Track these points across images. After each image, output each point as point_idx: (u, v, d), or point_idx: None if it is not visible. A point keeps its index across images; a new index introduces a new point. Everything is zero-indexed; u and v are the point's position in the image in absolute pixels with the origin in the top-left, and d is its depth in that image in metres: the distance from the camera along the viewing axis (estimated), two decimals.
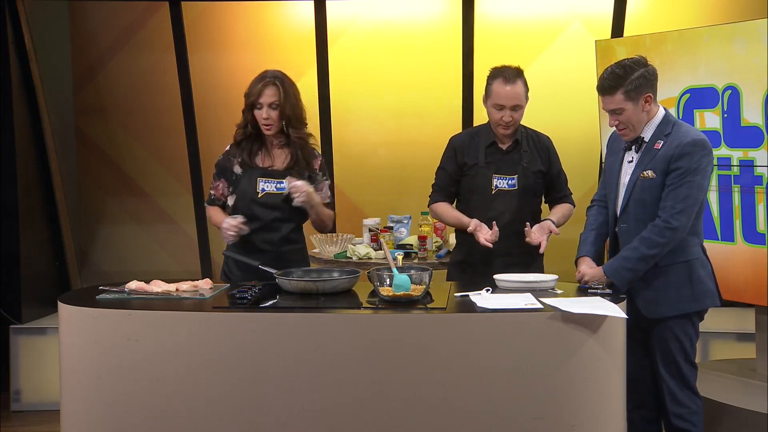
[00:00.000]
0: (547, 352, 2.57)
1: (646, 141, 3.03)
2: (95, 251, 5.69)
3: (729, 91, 3.75)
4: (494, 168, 3.44)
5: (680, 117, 3.93)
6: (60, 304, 2.79)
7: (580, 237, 3.25)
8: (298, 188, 3.18)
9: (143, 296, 2.87)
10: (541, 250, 3.33)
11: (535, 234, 3.32)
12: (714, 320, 4.70)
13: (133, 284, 2.93)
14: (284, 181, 3.26)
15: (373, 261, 4.15)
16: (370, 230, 4.39)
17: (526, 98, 3.40)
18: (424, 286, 2.80)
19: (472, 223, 3.37)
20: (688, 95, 3.92)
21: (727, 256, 3.79)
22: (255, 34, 5.46)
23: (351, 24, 5.39)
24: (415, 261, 4.12)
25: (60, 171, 5.40)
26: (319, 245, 4.29)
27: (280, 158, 3.32)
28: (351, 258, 4.19)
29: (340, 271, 3.12)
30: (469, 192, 3.49)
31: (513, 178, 3.43)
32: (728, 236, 3.80)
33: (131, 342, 2.65)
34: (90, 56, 5.55)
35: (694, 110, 3.91)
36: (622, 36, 4.95)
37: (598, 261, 3.18)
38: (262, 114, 3.24)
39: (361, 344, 2.60)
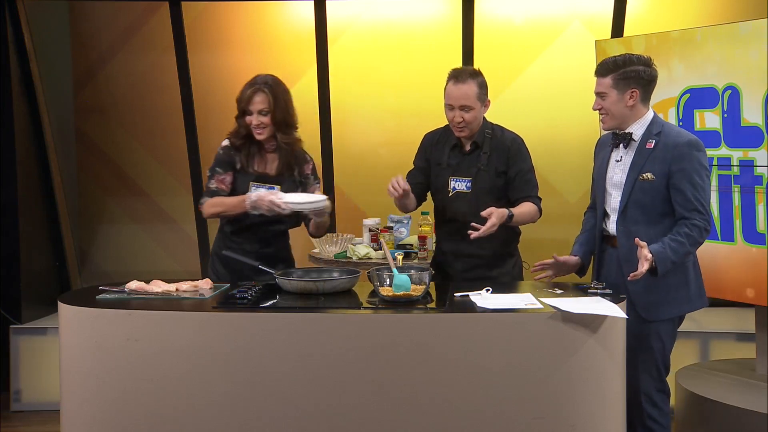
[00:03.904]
0: (547, 352, 2.57)
1: (635, 139, 3.06)
2: (95, 251, 5.68)
3: (729, 91, 3.74)
4: (452, 170, 3.40)
5: (680, 117, 3.93)
6: (60, 304, 2.79)
7: (576, 239, 3.30)
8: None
9: (143, 296, 2.87)
10: (484, 228, 3.09)
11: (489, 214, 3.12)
12: (714, 320, 4.70)
13: (133, 284, 2.93)
14: (276, 187, 3.26)
15: (373, 261, 4.15)
16: (370, 230, 4.39)
17: (481, 100, 3.30)
18: (424, 286, 2.81)
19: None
20: (688, 95, 3.92)
21: (727, 256, 3.79)
22: (255, 34, 5.46)
23: (351, 24, 5.39)
24: (415, 261, 4.11)
25: (60, 171, 5.40)
26: (319, 245, 4.28)
27: (273, 163, 3.33)
28: (351, 258, 4.19)
29: (340, 271, 3.12)
30: (433, 192, 3.49)
31: (468, 180, 3.36)
32: (728, 236, 3.80)
33: (131, 342, 2.65)
34: (90, 56, 5.55)
35: (694, 110, 3.90)
36: (622, 36, 4.95)
37: (589, 259, 3.26)
38: (252, 120, 3.23)
39: (361, 344, 2.60)
